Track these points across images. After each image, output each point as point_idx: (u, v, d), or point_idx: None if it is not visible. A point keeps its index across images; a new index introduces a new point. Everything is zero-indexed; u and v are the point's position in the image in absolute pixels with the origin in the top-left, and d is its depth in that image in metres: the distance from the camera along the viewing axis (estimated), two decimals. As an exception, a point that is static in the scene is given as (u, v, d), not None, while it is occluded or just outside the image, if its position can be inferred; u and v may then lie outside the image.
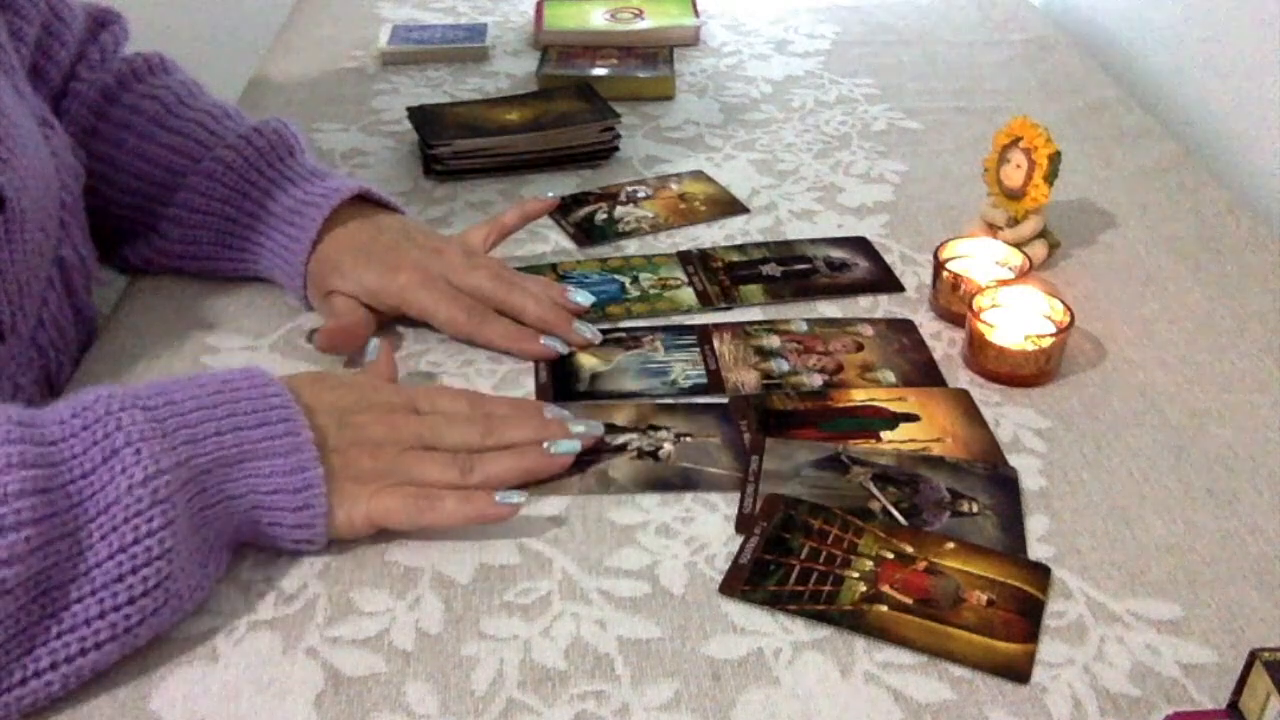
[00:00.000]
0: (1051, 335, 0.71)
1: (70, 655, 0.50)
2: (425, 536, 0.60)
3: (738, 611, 0.56)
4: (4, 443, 0.49)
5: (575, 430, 0.64)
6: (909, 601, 0.56)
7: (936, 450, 0.66)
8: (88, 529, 0.50)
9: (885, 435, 0.67)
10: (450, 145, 0.95)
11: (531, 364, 0.74)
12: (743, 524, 0.61)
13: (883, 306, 0.80)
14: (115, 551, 0.50)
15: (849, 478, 0.64)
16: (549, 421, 0.65)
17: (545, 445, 0.63)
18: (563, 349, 0.74)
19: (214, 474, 0.54)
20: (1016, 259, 0.79)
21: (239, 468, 0.55)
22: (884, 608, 0.56)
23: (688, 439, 0.67)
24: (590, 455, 0.65)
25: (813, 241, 0.87)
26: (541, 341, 0.73)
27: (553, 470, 0.63)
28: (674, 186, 0.96)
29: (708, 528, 0.61)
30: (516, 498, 0.59)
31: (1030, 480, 0.65)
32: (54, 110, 0.78)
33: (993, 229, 0.84)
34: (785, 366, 0.73)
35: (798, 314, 0.79)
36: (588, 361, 0.74)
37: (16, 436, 0.50)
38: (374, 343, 0.70)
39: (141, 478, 0.51)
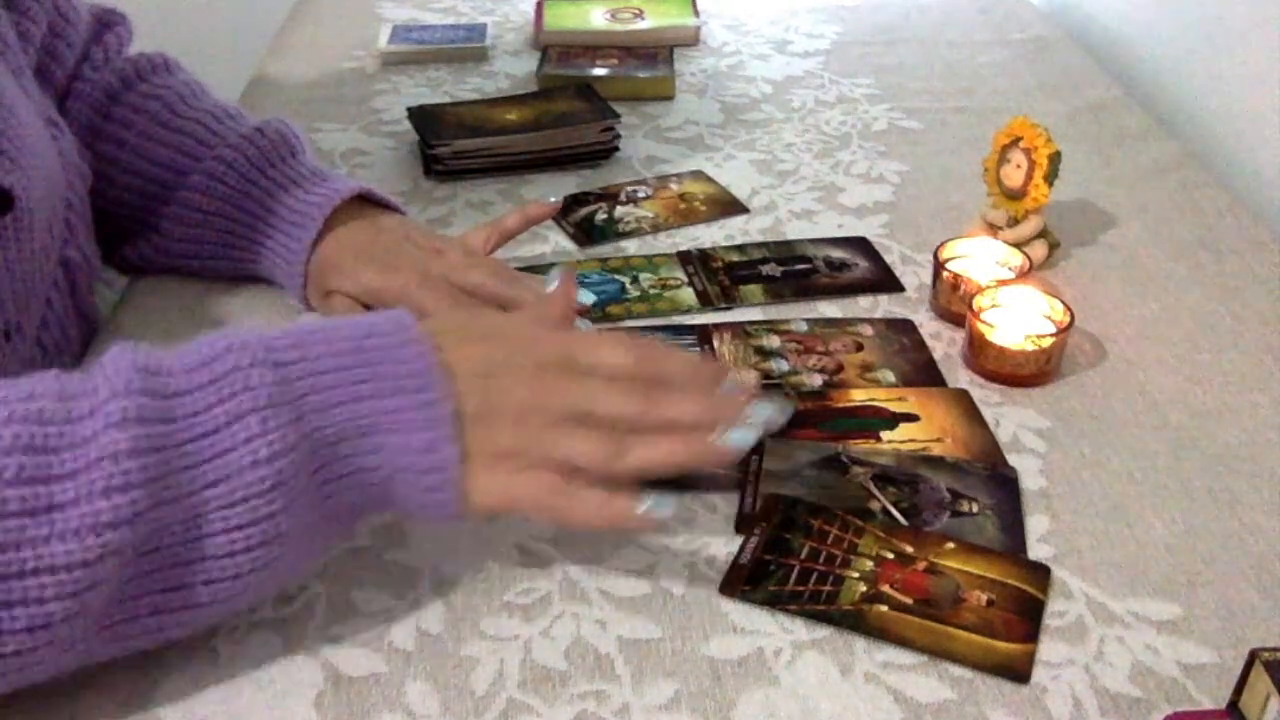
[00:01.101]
0: (1051, 335, 0.71)
1: (168, 608, 0.48)
2: (427, 536, 0.60)
3: (738, 611, 0.56)
4: (125, 393, 0.47)
5: (754, 416, 0.56)
6: (909, 601, 0.56)
7: (936, 450, 0.66)
8: (202, 496, 0.47)
9: (885, 435, 0.67)
10: (450, 145, 0.95)
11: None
12: (743, 524, 0.61)
13: (883, 306, 0.80)
14: (230, 528, 0.48)
15: (849, 478, 0.64)
16: (724, 399, 0.57)
17: (714, 434, 0.55)
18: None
19: (341, 446, 0.51)
20: (1016, 259, 0.79)
21: (369, 439, 0.51)
22: (884, 608, 0.56)
23: (688, 439, 0.67)
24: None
25: (813, 241, 0.87)
26: None
27: (718, 464, 0.56)
28: (674, 186, 0.96)
29: (708, 528, 0.61)
30: (662, 510, 0.53)
31: (1030, 480, 0.65)
32: (58, 110, 0.78)
33: (993, 229, 0.84)
34: (785, 366, 0.73)
35: (798, 314, 0.79)
36: (588, 361, 0.74)
37: (138, 387, 0.47)
38: (555, 270, 0.63)
39: (267, 455, 0.48)
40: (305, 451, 0.49)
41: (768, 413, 0.56)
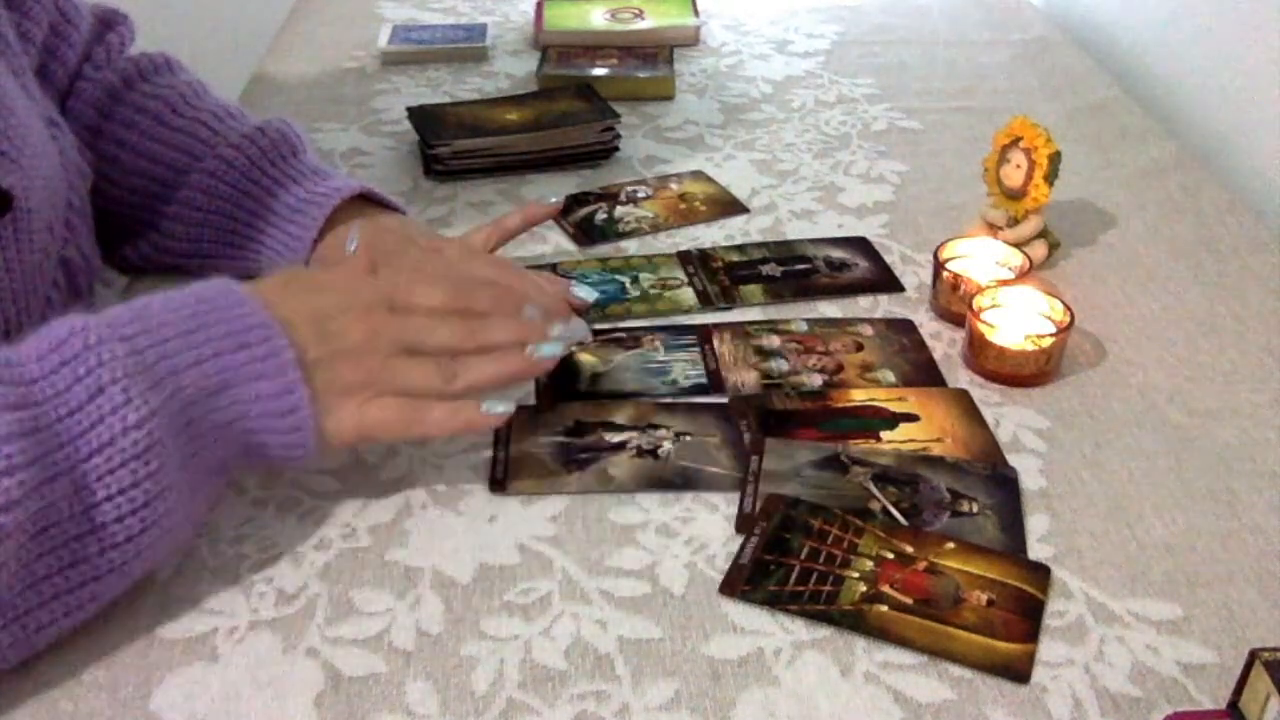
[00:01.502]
0: (1051, 335, 0.71)
1: (71, 587, 0.50)
2: (427, 536, 0.60)
3: (738, 611, 0.56)
4: None
5: (556, 332, 0.65)
6: (909, 601, 0.56)
7: (936, 450, 0.66)
8: (82, 469, 0.49)
9: (885, 435, 0.67)
10: (450, 145, 0.95)
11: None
12: (743, 524, 0.61)
13: (883, 306, 0.80)
14: (114, 494, 0.50)
15: (849, 478, 0.64)
16: (529, 324, 0.65)
17: (528, 350, 0.63)
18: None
19: (199, 404, 0.53)
20: (1016, 259, 0.79)
21: (224, 394, 0.54)
22: (884, 608, 0.56)
23: (687, 438, 0.67)
24: (590, 454, 0.65)
25: (813, 241, 0.87)
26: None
27: (535, 374, 0.64)
28: (674, 186, 0.96)
29: (708, 528, 0.61)
30: (501, 407, 0.60)
31: (1030, 480, 0.65)
32: (60, 109, 0.78)
33: (993, 229, 0.84)
34: (785, 366, 0.73)
35: (798, 314, 0.79)
36: (588, 361, 0.74)
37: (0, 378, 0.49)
38: (353, 235, 0.69)
39: (135, 420, 0.50)
40: (170, 412, 0.52)
41: (562, 329, 0.65)
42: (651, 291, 0.81)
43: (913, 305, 0.80)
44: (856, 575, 0.57)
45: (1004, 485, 0.64)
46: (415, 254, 0.75)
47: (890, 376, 0.72)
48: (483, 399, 0.61)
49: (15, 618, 0.49)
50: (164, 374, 0.52)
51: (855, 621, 0.55)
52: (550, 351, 0.64)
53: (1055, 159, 0.81)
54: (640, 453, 0.66)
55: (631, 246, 0.87)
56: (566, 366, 0.73)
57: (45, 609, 0.50)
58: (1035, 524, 0.62)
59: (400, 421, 0.59)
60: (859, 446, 0.66)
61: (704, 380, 0.72)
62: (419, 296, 0.63)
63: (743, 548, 0.59)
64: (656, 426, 0.68)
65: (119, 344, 0.52)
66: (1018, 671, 0.53)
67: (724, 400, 0.70)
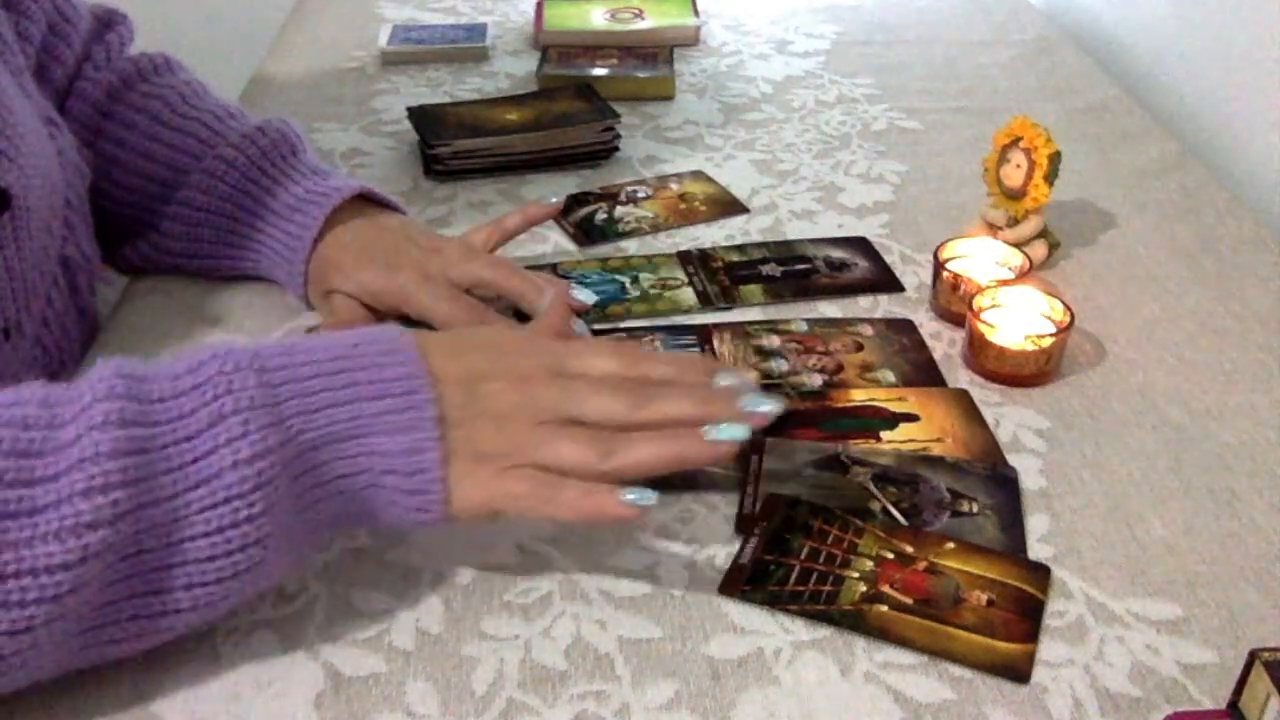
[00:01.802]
0: (1051, 335, 0.71)
1: (150, 614, 0.49)
2: (427, 536, 0.60)
3: (738, 611, 0.56)
4: (106, 398, 0.47)
5: (747, 409, 0.55)
6: (909, 601, 0.56)
7: (936, 450, 0.66)
8: (184, 499, 0.47)
9: (885, 435, 0.67)
10: (450, 145, 0.95)
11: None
12: (743, 524, 0.61)
13: (883, 306, 0.80)
14: (211, 531, 0.47)
15: (849, 478, 0.64)
16: (714, 394, 0.56)
17: (705, 429, 0.54)
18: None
19: (324, 450, 0.51)
20: (1016, 259, 0.79)
21: (353, 444, 0.51)
22: (884, 608, 0.56)
23: (688, 439, 0.67)
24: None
25: (813, 241, 0.87)
26: None
27: (708, 461, 0.54)
28: (674, 186, 0.96)
29: (708, 528, 0.61)
30: (645, 500, 0.52)
31: (1030, 480, 0.65)
32: (59, 109, 0.78)
33: (993, 229, 0.84)
34: (785, 366, 0.73)
35: (798, 314, 0.79)
36: (588, 361, 0.74)
37: (120, 391, 0.48)
38: (550, 292, 0.63)
39: (248, 455, 0.48)
40: (288, 455, 0.49)
41: (762, 407, 0.55)
42: (651, 291, 0.81)
43: (913, 305, 0.80)
44: (856, 575, 0.57)
45: (1004, 485, 0.64)
46: (415, 254, 0.75)
47: (890, 376, 0.72)
48: (627, 489, 0.52)
49: (85, 630, 0.48)
50: (292, 413, 0.50)
51: (855, 621, 0.55)
52: (731, 435, 0.54)
53: (1055, 159, 0.81)
54: (640, 453, 0.66)
55: (631, 246, 0.87)
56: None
57: (118, 627, 0.48)
58: (1035, 524, 0.62)
59: (533, 498, 0.52)
60: (859, 446, 0.66)
61: (704, 380, 0.72)
62: (591, 364, 0.57)
63: (743, 548, 0.59)
64: (656, 426, 0.67)
65: (254, 374, 0.49)
66: (1018, 671, 0.53)
67: (724, 400, 0.70)
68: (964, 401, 0.70)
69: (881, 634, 0.55)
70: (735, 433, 0.54)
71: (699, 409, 0.55)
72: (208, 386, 0.49)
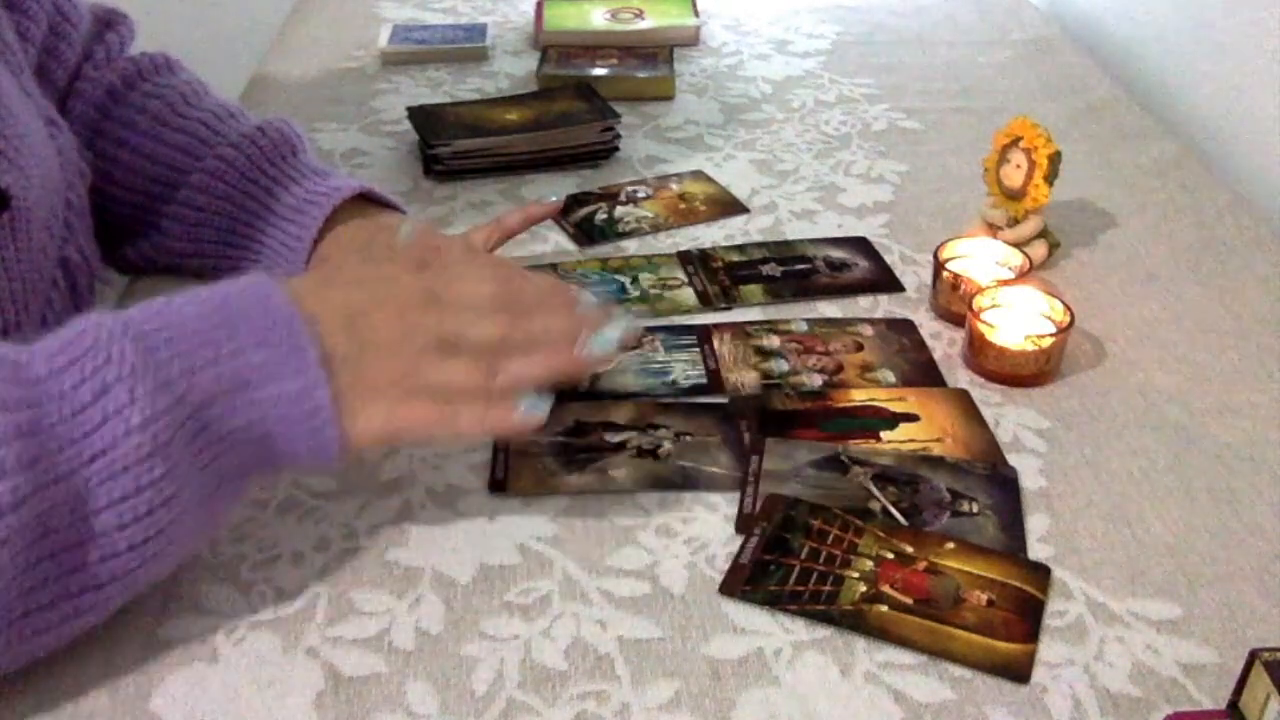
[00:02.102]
0: (1051, 335, 0.71)
1: (70, 594, 0.49)
2: (427, 536, 0.60)
3: (738, 611, 0.56)
4: None
5: (611, 326, 0.59)
6: (909, 601, 0.56)
7: (936, 450, 0.66)
8: (83, 474, 0.47)
9: (885, 435, 0.67)
10: (450, 145, 0.95)
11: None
12: (743, 524, 0.61)
13: (883, 306, 0.80)
14: (115, 501, 0.48)
15: (849, 478, 0.64)
16: (581, 315, 0.60)
17: (578, 344, 0.58)
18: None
19: (215, 406, 0.51)
20: (1016, 259, 0.79)
21: (241, 395, 0.51)
22: (884, 608, 0.56)
23: (687, 438, 0.67)
24: (590, 454, 0.65)
25: (813, 241, 0.87)
26: None
27: (585, 371, 0.58)
28: (674, 186, 0.96)
29: (708, 528, 0.61)
30: (540, 408, 0.56)
31: (1030, 480, 0.65)
32: (59, 109, 0.78)
33: (993, 229, 0.84)
34: (785, 366, 0.73)
35: (798, 314, 0.79)
36: (588, 361, 0.74)
37: (2, 376, 0.47)
38: (406, 227, 0.64)
39: (139, 421, 0.48)
40: (180, 416, 0.49)
41: (622, 324, 0.60)
42: (651, 292, 0.81)
43: (913, 305, 0.80)
44: (856, 575, 0.57)
45: (1004, 485, 0.64)
46: (414, 253, 0.75)
47: (890, 376, 0.72)
48: (522, 399, 0.56)
49: (10, 622, 0.48)
50: (177, 374, 0.50)
51: (855, 621, 0.55)
52: (603, 344, 0.58)
53: (1055, 159, 0.81)
54: (640, 453, 0.66)
55: (631, 246, 0.87)
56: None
57: (42, 615, 0.48)
58: (1035, 524, 0.62)
59: (430, 421, 0.55)
60: (859, 446, 0.66)
61: (704, 380, 0.72)
62: (464, 289, 0.59)
63: (743, 548, 0.59)
64: (656, 426, 0.68)
65: (130, 342, 0.49)
66: (1018, 671, 0.53)
67: (724, 400, 0.70)
68: (964, 401, 0.70)
69: (881, 634, 0.55)
70: (604, 342, 0.58)
71: (570, 323, 0.59)
72: (86, 360, 0.48)
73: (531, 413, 0.56)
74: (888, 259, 0.85)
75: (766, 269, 0.84)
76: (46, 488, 0.47)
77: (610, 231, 0.89)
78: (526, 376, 0.57)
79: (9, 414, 0.46)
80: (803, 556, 0.59)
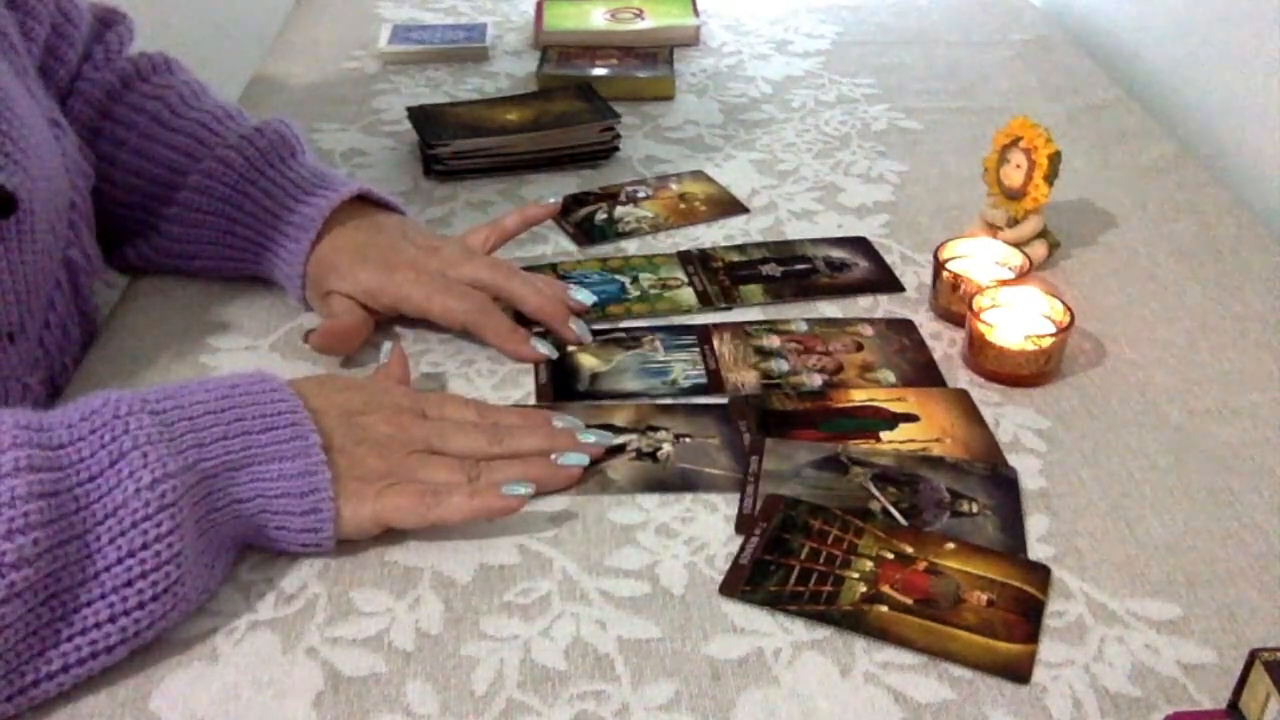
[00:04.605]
0: (1051, 335, 0.71)
1: (81, 658, 0.50)
2: (427, 536, 0.60)
3: (738, 611, 0.56)
4: (11, 447, 0.49)
5: (584, 440, 0.65)
6: (909, 601, 0.56)
7: (936, 450, 0.66)
8: (95, 532, 0.50)
9: (885, 435, 0.67)
10: (450, 145, 0.95)
11: (531, 364, 0.74)
12: (743, 524, 0.61)
13: (883, 306, 0.80)
14: (124, 556, 0.50)
15: (849, 478, 0.64)
16: (557, 432, 0.65)
17: (554, 457, 0.63)
18: (553, 354, 0.73)
19: (220, 478, 0.55)
20: (1016, 259, 0.79)
21: (246, 471, 0.55)
22: (884, 608, 0.56)
23: (687, 439, 0.67)
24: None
25: (813, 241, 0.87)
26: (532, 344, 0.73)
27: (560, 482, 0.63)
28: (674, 186, 0.96)
29: (708, 528, 0.61)
30: (522, 489, 0.59)
31: (1030, 480, 0.65)
32: (60, 109, 0.78)
33: (993, 229, 0.84)
34: (785, 366, 0.73)
35: (798, 314, 0.79)
36: (588, 361, 0.74)
37: (24, 440, 0.50)
38: (387, 345, 0.70)
39: (149, 480, 0.51)
40: (189, 481, 0.53)
41: (592, 438, 0.65)
42: (651, 291, 0.81)
43: (913, 305, 0.80)
44: (856, 575, 0.57)
45: (1004, 485, 0.64)
46: (412, 253, 0.75)
47: (890, 377, 0.72)
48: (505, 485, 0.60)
49: (15, 666, 0.49)
50: (188, 445, 0.54)
51: (855, 622, 0.55)
52: (576, 459, 0.63)
53: (1055, 159, 0.81)
54: (640, 455, 0.66)
55: (631, 246, 0.87)
56: (566, 367, 0.73)
57: (53, 680, 0.50)
58: (1035, 524, 0.62)
59: (419, 507, 0.58)
60: (859, 447, 0.66)
61: (704, 380, 0.72)
62: (449, 410, 0.64)
63: (743, 548, 0.59)
64: (656, 428, 0.68)
65: (148, 416, 0.53)
66: (1018, 672, 0.53)
67: (724, 401, 0.70)
68: (964, 402, 0.70)
69: (881, 634, 0.55)
70: (578, 458, 0.63)
71: (545, 442, 0.64)
72: (104, 430, 0.52)
73: (514, 492, 0.59)
74: (888, 259, 0.85)
75: (766, 269, 0.84)
76: (62, 545, 0.49)
77: (610, 231, 0.89)
78: (506, 480, 0.61)
79: (35, 474, 0.49)
80: (803, 557, 0.59)
